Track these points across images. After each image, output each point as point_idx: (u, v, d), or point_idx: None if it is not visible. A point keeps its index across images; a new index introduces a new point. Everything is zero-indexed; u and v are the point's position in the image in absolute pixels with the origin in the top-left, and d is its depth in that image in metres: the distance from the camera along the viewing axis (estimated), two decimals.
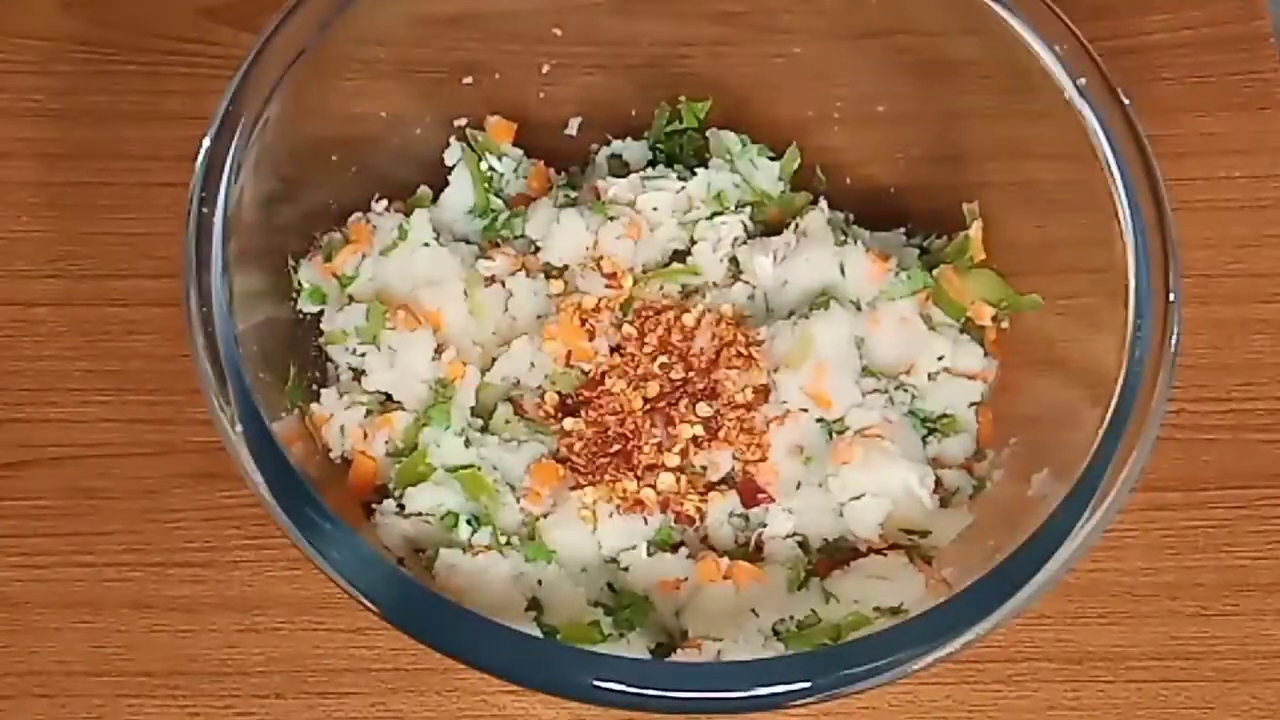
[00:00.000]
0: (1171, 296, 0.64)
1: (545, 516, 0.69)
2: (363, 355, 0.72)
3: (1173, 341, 0.64)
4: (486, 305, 0.73)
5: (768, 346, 0.72)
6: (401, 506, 0.69)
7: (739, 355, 0.71)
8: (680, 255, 0.75)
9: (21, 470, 0.77)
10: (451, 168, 0.78)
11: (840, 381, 0.71)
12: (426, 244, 0.74)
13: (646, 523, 0.70)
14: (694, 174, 0.78)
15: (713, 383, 0.71)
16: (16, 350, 0.79)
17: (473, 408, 0.72)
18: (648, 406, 0.71)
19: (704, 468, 0.71)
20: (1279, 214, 0.84)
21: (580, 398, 0.71)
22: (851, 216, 0.79)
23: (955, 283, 0.75)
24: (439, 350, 0.72)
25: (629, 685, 0.58)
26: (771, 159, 0.80)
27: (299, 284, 0.73)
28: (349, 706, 0.72)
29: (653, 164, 0.81)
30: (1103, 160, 0.67)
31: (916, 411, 0.74)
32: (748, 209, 0.77)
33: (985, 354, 0.75)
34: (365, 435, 0.70)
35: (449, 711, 0.73)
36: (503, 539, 0.68)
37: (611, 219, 0.74)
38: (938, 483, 0.72)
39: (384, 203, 0.76)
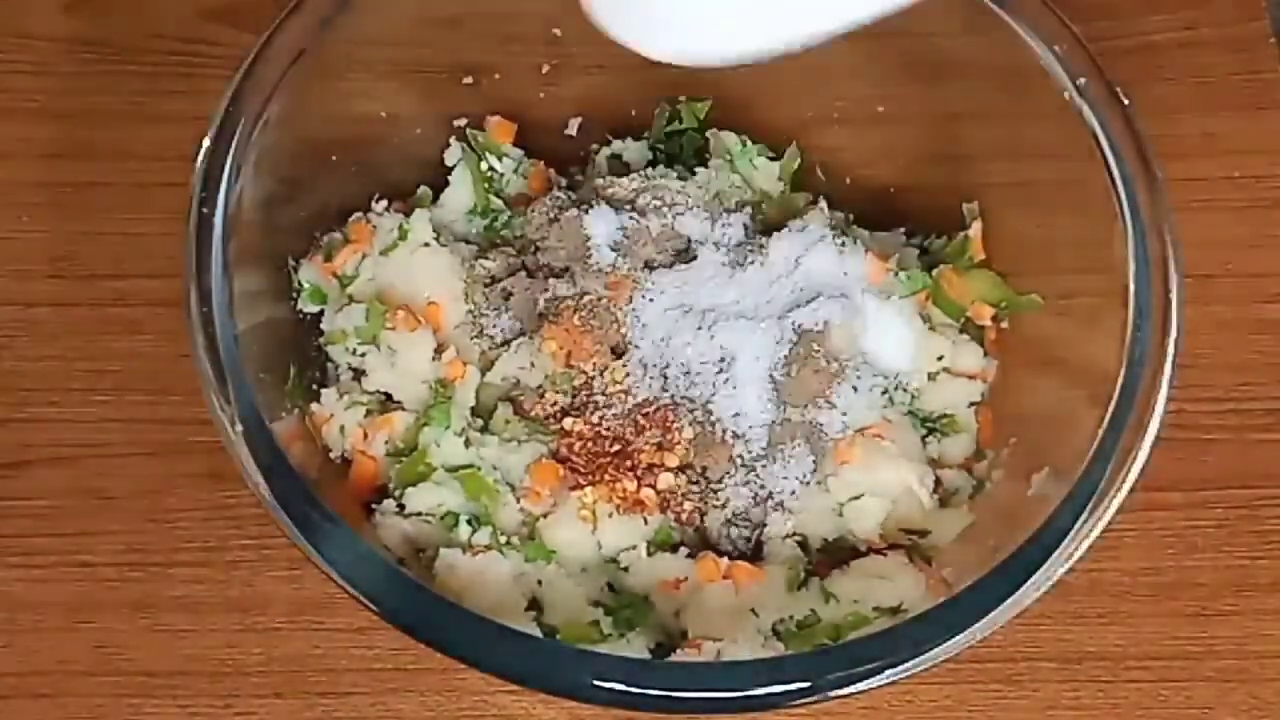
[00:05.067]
0: (1171, 296, 0.64)
1: (545, 516, 0.69)
2: (363, 355, 0.72)
3: (1173, 341, 0.64)
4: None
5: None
6: (401, 506, 0.69)
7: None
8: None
9: (22, 470, 0.77)
10: (451, 168, 0.78)
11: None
12: (426, 244, 0.74)
13: (646, 523, 0.70)
14: (694, 174, 0.78)
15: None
16: (17, 350, 0.79)
17: (473, 408, 0.72)
18: (648, 407, 0.71)
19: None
20: (1279, 214, 0.84)
21: (580, 398, 0.71)
22: (851, 216, 0.79)
23: (955, 283, 0.75)
24: (439, 350, 0.72)
25: (629, 685, 0.58)
26: (771, 159, 0.80)
27: (299, 284, 0.73)
28: (349, 706, 0.73)
29: (653, 164, 0.81)
30: (1103, 160, 0.67)
31: (916, 411, 0.74)
32: (748, 209, 0.77)
33: (985, 354, 0.75)
34: (365, 435, 0.70)
35: (449, 711, 0.73)
36: (502, 539, 0.68)
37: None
38: (937, 482, 0.72)
39: (384, 203, 0.76)
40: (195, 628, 0.74)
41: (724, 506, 0.71)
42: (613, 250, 0.73)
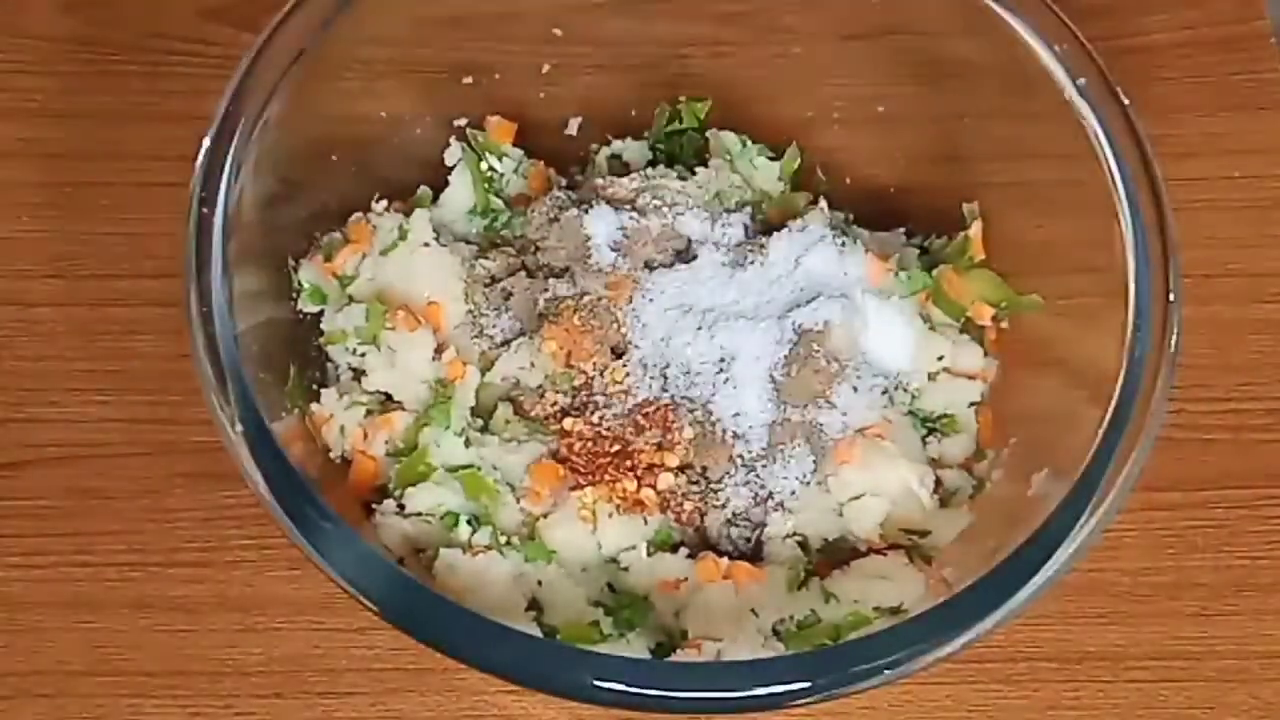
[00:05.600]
0: (1171, 296, 0.64)
1: (545, 516, 0.69)
2: (363, 355, 0.72)
3: (1173, 341, 0.64)
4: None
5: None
6: (401, 506, 0.69)
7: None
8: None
9: (21, 470, 0.77)
10: (451, 168, 0.78)
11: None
12: (426, 244, 0.74)
13: (646, 523, 0.70)
14: (694, 174, 0.78)
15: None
16: (16, 350, 0.79)
17: (473, 408, 0.72)
18: (648, 407, 0.71)
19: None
20: (1279, 214, 0.84)
21: (580, 398, 0.71)
22: (851, 216, 0.79)
23: (955, 283, 0.75)
24: (439, 350, 0.72)
25: (629, 685, 0.58)
26: (771, 159, 0.80)
27: (299, 284, 0.73)
28: (349, 706, 0.73)
29: (653, 164, 0.81)
30: (1103, 160, 0.67)
31: (916, 411, 0.74)
32: (748, 209, 0.77)
33: (985, 354, 0.75)
34: (365, 435, 0.70)
35: (449, 711, 0.73)
36: (503, 539, 0.68)
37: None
38: (937, 482, 0.72)
39: (384, 203, 0.76)
40: (195, 628, 0.74)
41: (724, 506, 0.71)
42: (613, 250, 0.73)
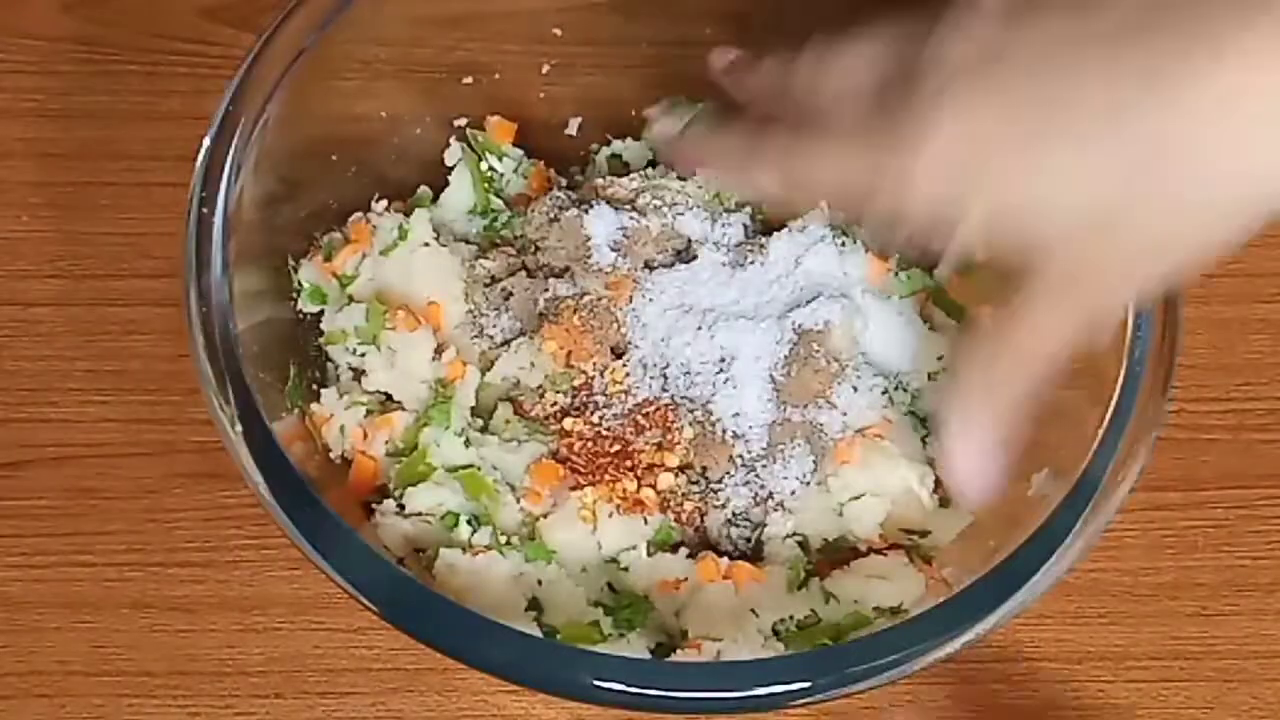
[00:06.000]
0: (1172, 297, 0.64)
1: (545, 516, 0.69)
2: (363, 355, 0.72)
3: (1173, 341, 0.64)
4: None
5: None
6: (401, 506, 0.69)
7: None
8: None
9: (21, 470, 0.77)
10: (451, 168, 0.78)
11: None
12: (426, 244, 0.74)
13: (646, 523, 0.70)
14: (694, 174, 0.78)
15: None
16: (16, 350, 0.79)
17: (473, 408, 0.72)
18: (648, 406, 0.71)
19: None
20: None
21: (580, 398, 0.71)
22: None
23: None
24: (439, 350, 0.72)
25: (629, 685, 0.57)
26: None
27: (299, 284, 0.73)
28: (349, 706, 0.73)
29: (653, 164, 0.81)
30: None
31: (916, 411, 0.74)
32: (748, 209, 0.77)
33: None
34: (365, 435, 0.70)
35: (449, 711, 0.73)
36: (503, 539, 0.68)
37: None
38: (937, 482, 0.72)
39: (384, 203, 0.76)
40: (195, 628, 0.74)
41: (724, 506, 0.71)
42: (613, 250, 0.73)
